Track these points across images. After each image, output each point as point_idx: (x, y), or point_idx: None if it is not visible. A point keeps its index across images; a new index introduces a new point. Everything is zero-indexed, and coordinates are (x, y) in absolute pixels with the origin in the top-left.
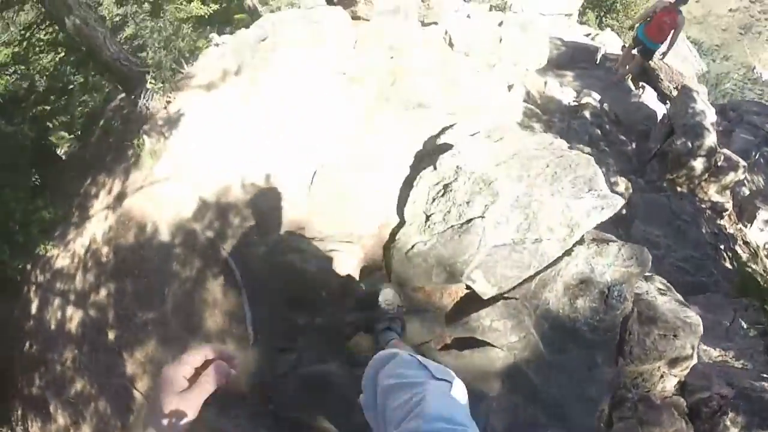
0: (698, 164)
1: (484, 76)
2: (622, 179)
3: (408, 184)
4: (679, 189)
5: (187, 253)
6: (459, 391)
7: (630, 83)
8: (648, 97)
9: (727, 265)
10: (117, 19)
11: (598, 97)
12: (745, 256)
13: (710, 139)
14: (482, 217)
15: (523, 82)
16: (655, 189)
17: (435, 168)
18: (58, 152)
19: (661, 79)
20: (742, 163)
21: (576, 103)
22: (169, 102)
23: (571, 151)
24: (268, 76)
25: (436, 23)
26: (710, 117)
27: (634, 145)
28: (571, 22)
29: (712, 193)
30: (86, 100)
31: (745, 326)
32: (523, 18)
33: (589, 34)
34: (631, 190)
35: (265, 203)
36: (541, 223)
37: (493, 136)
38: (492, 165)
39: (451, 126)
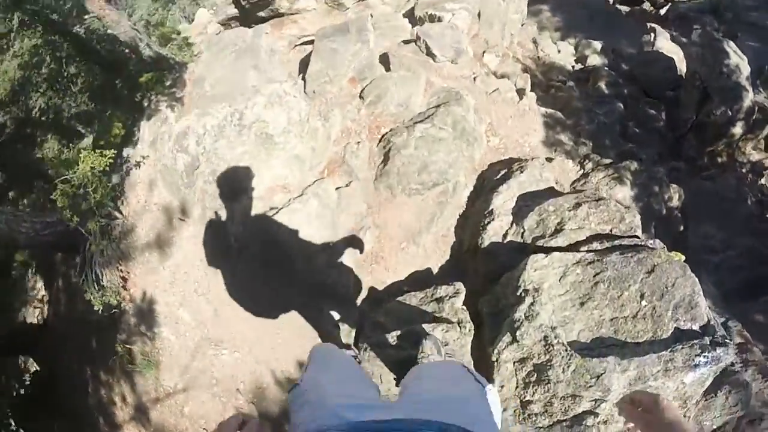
0: (738, 129)
1: None
2: (673, 188)
3: None
4: (719, 159)
5: None
6: None
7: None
8: (661, 41)
9: None
10: None
11: (599, 46)
12: None
13: (749, 98)
14: (594, 413)
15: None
16: (696, 169)
17: (515, 340)
18: None
19: None
20: None
21: (581, 67)
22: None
23: (652, 249)
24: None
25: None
26: (745, 70)
27: (663, 115)
28: None
29: (750, 150)
30: None
31: None
32: None
33: None
34: (683, 195)
35: None
36: None
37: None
38: (581, 324)
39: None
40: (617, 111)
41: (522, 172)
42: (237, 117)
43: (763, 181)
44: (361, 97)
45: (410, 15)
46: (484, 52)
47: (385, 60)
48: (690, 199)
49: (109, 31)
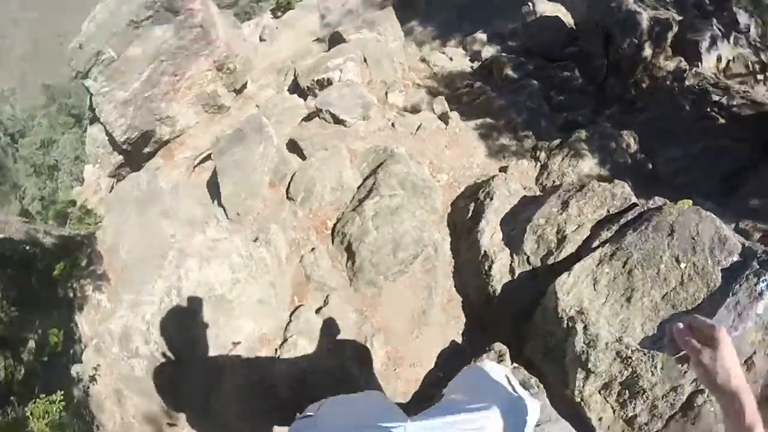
0: (647, 50)
1: None
2: (625, 133)
3: None
4: (644, 85)
5: None
6: None
7: None
8: (540, 5)
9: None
10: None
11: (484, 37)
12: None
13: (644, 18)
14: (700, 391)
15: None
16: (629, 105)
17: (590, 372)
18: None
19: None
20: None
21: (480, 63)
22: None
23: (659, 209)
24: None
25: None
26: None
27: (577, 72)
28: None
29: (663, 62)
30: None
31: None
32: None
33: None
34: (635, 136)
35: None
36: None
37: None
38: (639, 318)
39: None
40: (535, 89)
41: (491, 198)
42: (175, 293)
43: (687, 82)
44: (289, 198)
45: (297, 89)
46: (386, 93)
47: (295, 147)
48: (639, 134)
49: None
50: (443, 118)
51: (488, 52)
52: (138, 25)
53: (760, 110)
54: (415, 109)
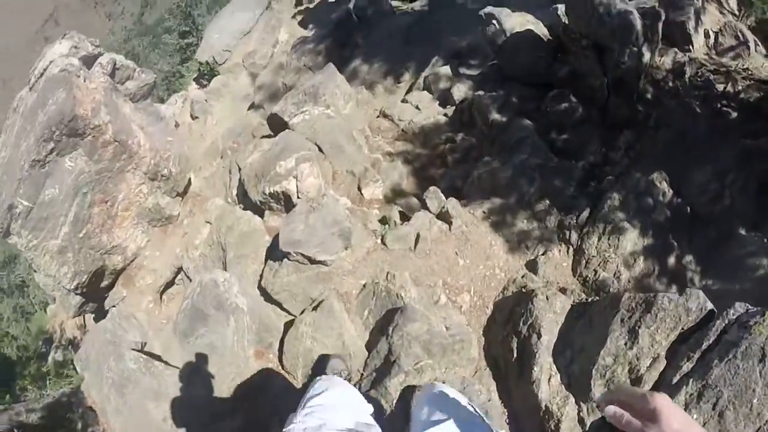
0: (646, 55)
1: None
2: (656, 178)
3: None
4: (648, 96)
5: None
6: None
7: None
8: (507, 20)
9: None
10: None
11: (447, 70)
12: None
13: (638, 20)
14: None
15: None
16: (639, 125)
17: None
18: None
19: None
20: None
21: (453, 107)
22: None
23: (745, 327)
24: None
25: None
26: None
27: (573, 98)
28: None
29: (660, 62)
30: None
31: None
32: None
33: None
34: (665, 176)
35: None
36: None
37: None
38: None
39: None
40: (532, 135)
41: (538, 333)
42: None
43: (687, 74)
44: (286, 370)
45: (246, 198)
46: (359, 188)
47: (275, 305)
48: (664, 163)
49: None
50: (444, 216)
51: (460, 90)
52: (43, 163)
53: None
54: (396, 193)
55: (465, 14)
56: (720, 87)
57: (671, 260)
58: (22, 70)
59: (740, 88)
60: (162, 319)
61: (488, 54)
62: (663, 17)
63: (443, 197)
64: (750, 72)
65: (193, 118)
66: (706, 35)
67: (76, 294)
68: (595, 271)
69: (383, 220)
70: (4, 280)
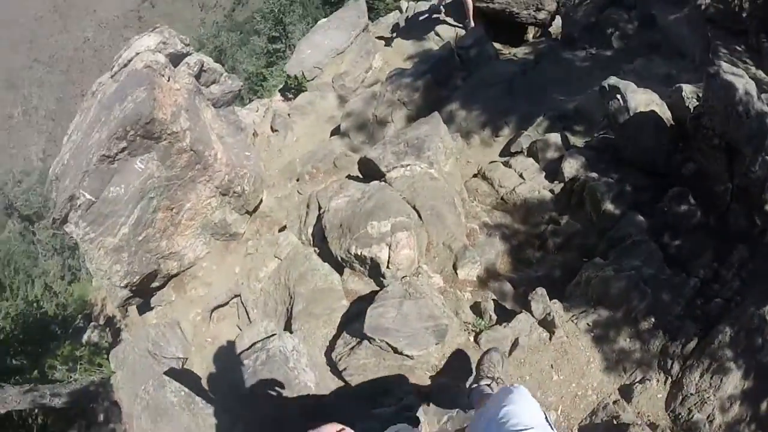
0: None
1: None
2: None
3: None
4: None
5: None
6: None
7: None
8: (632, 95)
9: None
10: None
11: (558, 138)
12: None
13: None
14: None
15: None
16: (761, 239)
17: None
18: None
19: None
20: None
21: (562, 184)
22: None
23: None
24: None
25: None
26: (752, 87)
27: (692, 202)
28: None
29: None
30: None
31: None
32: None
33: None
34: None
35: None
36: None
37: None
38: None
39: None
40: (647, 239)
41: None
42: None
43: None
44: None
45: (323, 244)
46: (454, 265)
47: (342, 381)
48: None
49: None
50: (546, 324)
51: (571, 166)
52: (113, 160)
53: None
54: (490, 274)
55: (572, 71)
56: None
57: (764, 405)
58: (114, 44)
59: None
60: (208, 337)
61: (597, 122)
62: None
63: (548, 301)
64: None
65: (273, 130)
66: None
67: (128, 288)
68: (690, 410)
69: (477, 310)
70: (57, 239)
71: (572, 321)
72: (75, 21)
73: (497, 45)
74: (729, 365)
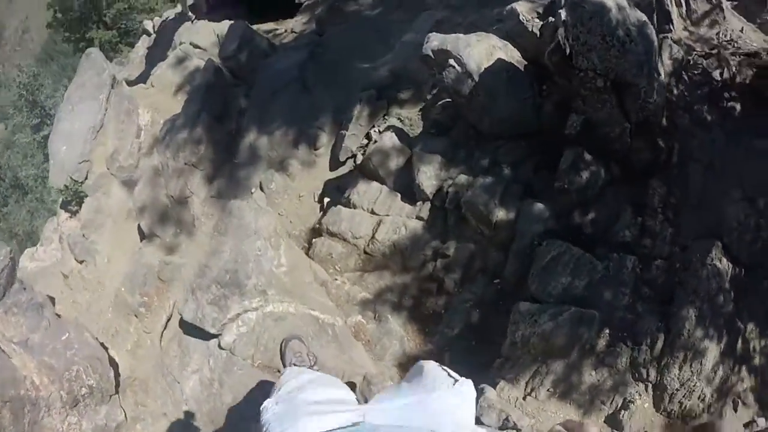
0: (662, 71)
1: None
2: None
3: None
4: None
5: None
6: None
7: None
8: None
9: None
10: None
11: (428, 155)
12: None
13: (653, 31)
14: None
15: None
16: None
17: None
18: None
19: None
20: None
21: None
22: None
23: None
24: None
25: None
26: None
27: (588, 157)
28: None
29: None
30: None
31: None
32: None
33: None
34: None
35: None
36: None
37: None
38: None
39: None
40: (566, 248)
41: None
42: None
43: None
44: None
45: None
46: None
47: None
48: (698, 210)
49: None
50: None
51: (428, 177)
52: None
53: (760, 64)
54: (409, 361)
55: (365, 27)
56: (717, 75)
57: (739, 345)
58: None
59: (734, 70)
60: None
61: (422, 80)
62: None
63: (499, 406)
64: (736, 45)
65: (80, 262)
66: (677, 4)
67: None
68: (681, 403)
69: None
70: None
71: (532, 396)
72: None
73: (269, 26)
74: (704, 347)
